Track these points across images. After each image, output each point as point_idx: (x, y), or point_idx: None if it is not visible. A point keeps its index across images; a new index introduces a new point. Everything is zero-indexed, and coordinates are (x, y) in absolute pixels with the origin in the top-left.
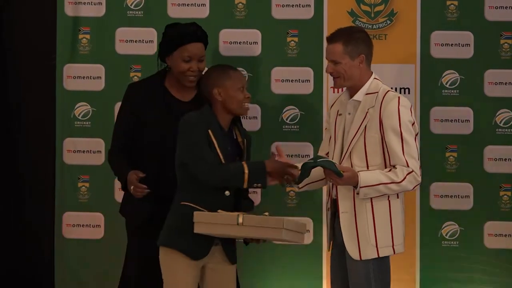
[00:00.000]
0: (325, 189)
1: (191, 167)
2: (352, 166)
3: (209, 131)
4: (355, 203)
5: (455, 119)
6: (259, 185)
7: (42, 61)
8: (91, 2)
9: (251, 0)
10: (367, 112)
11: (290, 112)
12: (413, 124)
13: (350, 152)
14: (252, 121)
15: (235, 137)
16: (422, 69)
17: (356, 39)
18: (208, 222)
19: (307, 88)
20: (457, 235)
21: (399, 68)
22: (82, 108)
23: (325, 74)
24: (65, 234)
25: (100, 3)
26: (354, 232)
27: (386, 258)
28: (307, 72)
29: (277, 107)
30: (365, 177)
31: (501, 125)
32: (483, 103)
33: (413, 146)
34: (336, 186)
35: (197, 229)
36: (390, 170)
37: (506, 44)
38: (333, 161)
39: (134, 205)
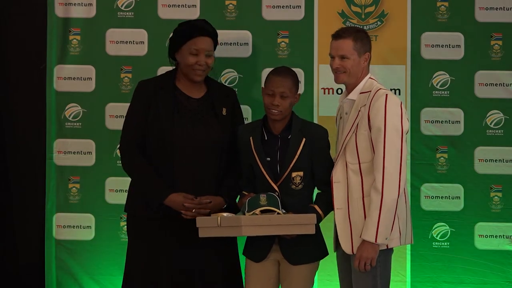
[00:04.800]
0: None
1: None
2: (346, 164)
3: (251, 138)
4: (348, 200)
5: (446, 120)
6: None
7: (32, 62)
8: (82, 3)
9: (241, 1)
10: (359, 111)
11: None
12: (402, 120)
13: (345, 150)
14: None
15: (289, 137)
16: (412, 70)
17: (363, 38)
18: (204, 226)
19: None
20: (448, 236)
21: (390, 69)
22: (72, 109)
23: (315, 75)
24: (56, 235)
25: (90, 4)
26: (348, 227)
27: (388, 253)
28: (298, 73)
29: None
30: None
31: (491, 126)
32: (473, 104)
33: (395, 144)
34: (332, 183)
35: (201, 234)
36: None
37: (496, 45)
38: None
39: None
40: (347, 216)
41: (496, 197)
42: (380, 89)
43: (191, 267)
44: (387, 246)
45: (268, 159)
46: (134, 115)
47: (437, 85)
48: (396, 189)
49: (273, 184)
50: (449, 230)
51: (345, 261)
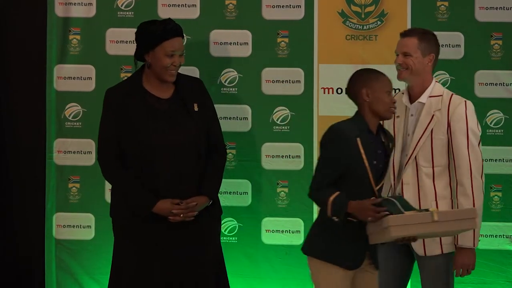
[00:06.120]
0: None
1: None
2: (417, 166)
3: (358, 139)
4: (420, 202)
5: None
6: (335, 219)
7: (32, 61)
8: (82, 3)
9: (241, 1)
10: (433, 115)
11: (280, 113)
12: (478, 127)
13: (417, 154)
14: (243, 122)
15: (382, 140)
16: None
17: (430, 39)
18: (402, 224)
19: (298, 89)
20: None
21: (390, 68)
22: (72, 109)
23: (315, 75)
24: (56, 235)
25: (90, 4)
26: None
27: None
28: (298, 73)
29: (267, 108)
30: None
31: (491, 125)
32: (473, 104)
33: (476, 150)
34: (402, 185)
35: (394, 233)
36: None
37: (496, 45)
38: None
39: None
40: None
41: (496, 197)
42: (453, 94)
43: (183, 261)
44: (442, 251)
45: (375, 162)
46: (107, 126)
47: None
48: (482, 194)
49: (374, 188)
50: None
51: (396, 257)
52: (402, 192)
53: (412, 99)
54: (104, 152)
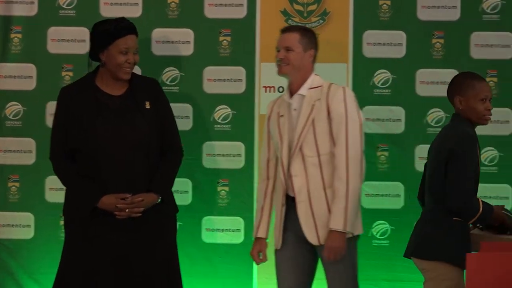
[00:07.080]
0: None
1: (449, 195)
2: (303, 157)
3: (477, 147)
4: (309, 192)
5: (387, 118)
6: (479, 226)
7: None
8: (23, 1)
9: None
10: (313, 105)
11: (222, 112)
12: (359, 112)
13: (301, 145)
14: (184, 121)
15: None
16: (354, 69)
17: (310, 36)
18: None
19: (239, 88)
20: (387, 234)
21: (331, 67)
22: (13, 108)
23: (257, 74)
24: None
25: (32, 2)
26: (311, 219)
27: (356, 241)
28: (239, 72)
29: (209, 107)
30: None
31: (432, 124)
32: (414, 103)
33: (355, 134)
34: (292, 183)
35: None
36: None
37: (438, 43)
38: None
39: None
40: (309, 209)
41: None
42: (332, 83)
43: (129, 256)
44: (352, 234)
45: None
46: (58, 124)
47: (378, 83)
48: (359, 178)
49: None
50: (389, 228)
51: (299, 252)
52: (292, 185)
53: (291, 95)
54: (54, 150)
